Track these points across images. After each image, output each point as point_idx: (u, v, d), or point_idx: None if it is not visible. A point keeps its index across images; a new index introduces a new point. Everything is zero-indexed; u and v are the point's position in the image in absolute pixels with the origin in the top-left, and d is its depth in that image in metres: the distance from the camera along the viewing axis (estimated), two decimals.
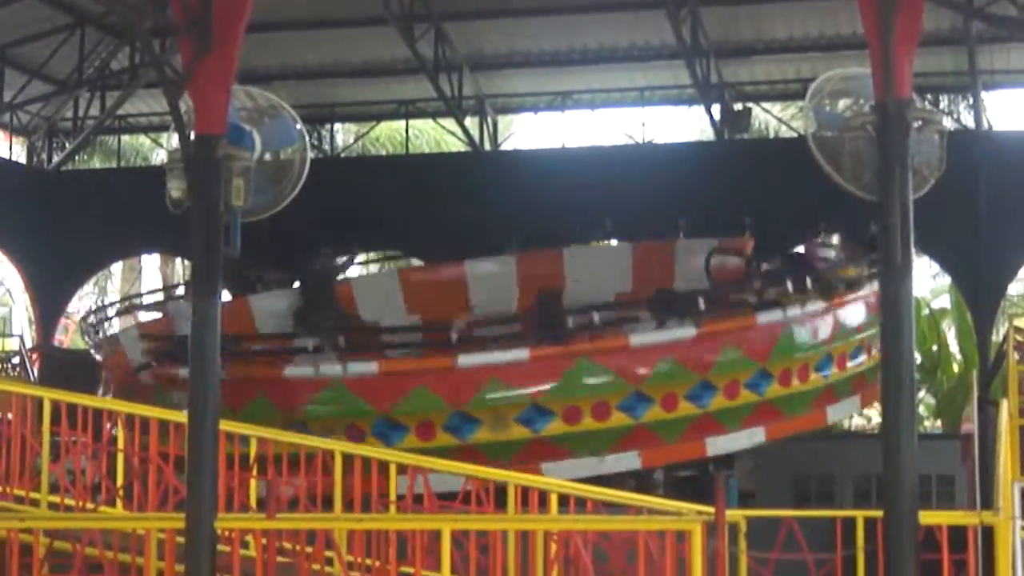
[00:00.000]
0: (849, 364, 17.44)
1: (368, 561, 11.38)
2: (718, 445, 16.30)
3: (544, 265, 21.35)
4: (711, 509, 10.26)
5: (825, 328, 17.03)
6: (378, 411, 15.10)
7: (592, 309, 16.67)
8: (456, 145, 28.23)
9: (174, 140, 11.18)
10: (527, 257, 21.87)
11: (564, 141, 28.20)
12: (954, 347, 30.32)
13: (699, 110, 26.18)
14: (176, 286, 30.70)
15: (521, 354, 15.67)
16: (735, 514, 11.30)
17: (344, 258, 22.20)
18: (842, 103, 11.59)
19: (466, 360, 15.57)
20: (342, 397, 15.50)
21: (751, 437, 16.51)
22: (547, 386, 15.51)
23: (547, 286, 18.99)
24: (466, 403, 15.29)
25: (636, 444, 15.61)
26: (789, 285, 16.70)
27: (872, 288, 17.47)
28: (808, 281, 16.89)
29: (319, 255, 20.93)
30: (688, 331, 16.09)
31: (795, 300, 16.62)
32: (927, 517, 10.05)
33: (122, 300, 29.75)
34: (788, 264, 18.53)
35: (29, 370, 24.75)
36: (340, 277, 21.97)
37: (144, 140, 31.96)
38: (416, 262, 25.75)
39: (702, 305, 16.38)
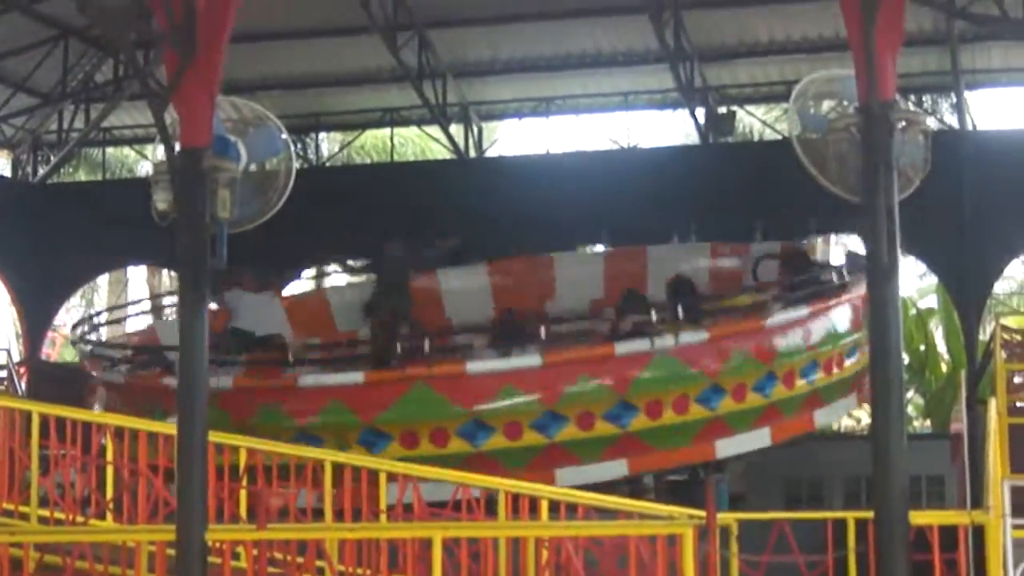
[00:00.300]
0: (750, 395, 16.60)
1: (359, 570, 11.36)
2: (568, 476, 15.59)
3: (629, 262, 21.31)
4: (702, 513, 10.27)
5: (710, 358, 16.27)
6: (234, 423, 15.13)
7: (426, 335, 16.82)
8: (441, 152, 28.22)
9: (159, 152, 11.17)
10: (613, 254, 21.95)
11: (549, 147, 28.22)
12: (942, 347, 30.38)
13: (683, 114, 26.21)
14: (160, 295, 30.71)
15: (357, 377, 15.75)
16: (726, 517, 11.33)
17: (446, 244, 21.68)
18: (826, 105, 11.62)
19: (306, 381, 15.78)
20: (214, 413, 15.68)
21: (611, 470, 15.92)
22: (383, 410, 15.51)
23: (392, 310, 18.86)
24: (308, 422, 15.31)
25: (477, 471, 15.31)
26: (653, 315, 16.26)
27: (791, 316, 16.90)
28: (679, 311, 16.44)
29: (391, 245, 20.77)
30: (533, 360, 15.93)
31: (667, 329, 16.10)
32: (917, 517, 10.07)
33: (109, 309, 29.81)
34: (672, 290, 18.03)
35: (16, 384, 24.69)
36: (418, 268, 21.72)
37: (129, 152, 31.92)
38: None
39: (543, 335, 16.28)
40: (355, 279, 21.70)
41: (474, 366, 15.85)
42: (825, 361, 17.24)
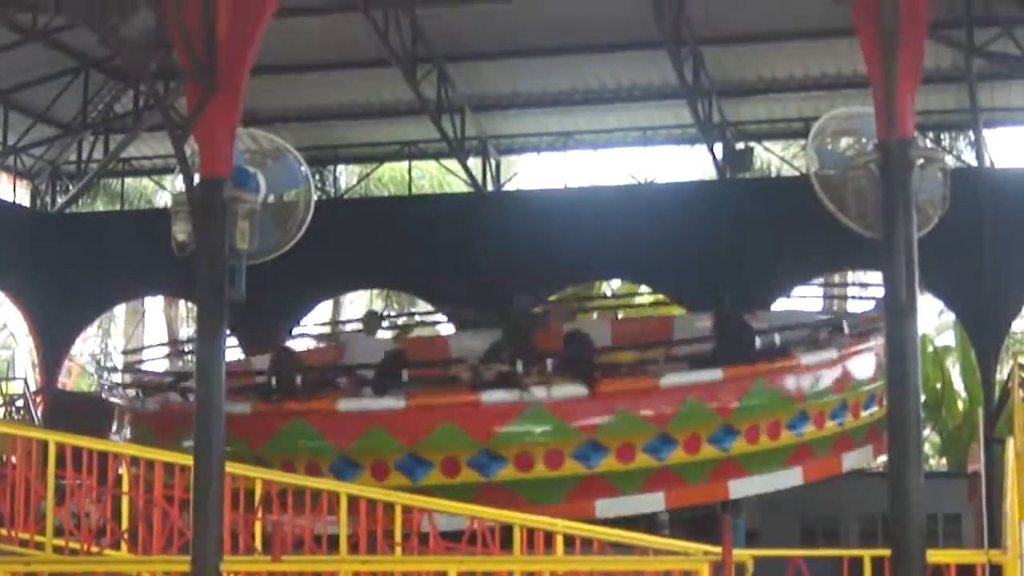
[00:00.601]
0: (640, 456, 15.81)
1: None
2: (441, 523, 14.18)
3: (737, 326, 20.89)
4: (718, 549, 10.24)
5: (590, 415, 15.69)
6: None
7: (329, 370, 16.92)
8: (459, 186, 28.28)
9: (179, 183, 11.19)
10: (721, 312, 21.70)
11: (566, 181, 28.23)
12: (958, 385, 30.26)
13: (701, 149, 26.24)
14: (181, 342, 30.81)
15: (244, 408, 15.78)
16: (742, 554, 11.26)
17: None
18: (844, 142, 11.62)
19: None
20: (148, 433, 16.21)
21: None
22: (265, 441, 15.58)
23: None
24: None
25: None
26: (518, 366, 15.79)
27: (696, 378, 16.28)
28: (548, 364, 16.02)
29: (517, 298, 20.69)
30: (398, 403, 15.74)
31: (543, 381, 15.71)
32: (934, 556, 10.03)
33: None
34: (567, 344, 17.75)
35: (33, 413, 24.72)
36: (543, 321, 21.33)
37: (147, 183, 32.01)
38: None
39: (405, 377, 16.14)
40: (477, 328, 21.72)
41: (345, 404, 15.87)
42: (748, 429, 16.32)
